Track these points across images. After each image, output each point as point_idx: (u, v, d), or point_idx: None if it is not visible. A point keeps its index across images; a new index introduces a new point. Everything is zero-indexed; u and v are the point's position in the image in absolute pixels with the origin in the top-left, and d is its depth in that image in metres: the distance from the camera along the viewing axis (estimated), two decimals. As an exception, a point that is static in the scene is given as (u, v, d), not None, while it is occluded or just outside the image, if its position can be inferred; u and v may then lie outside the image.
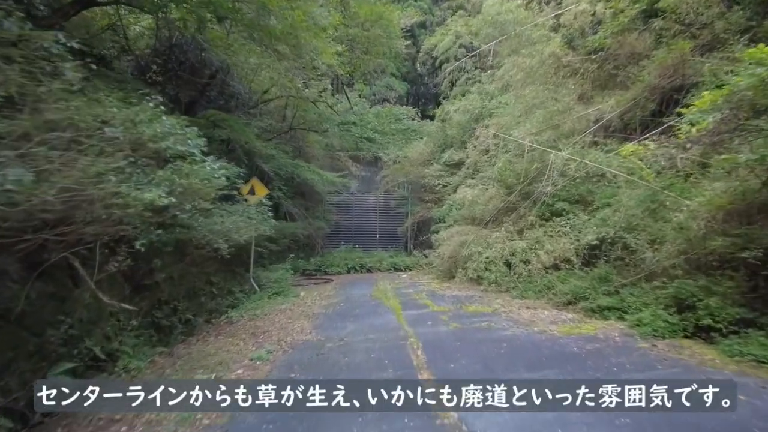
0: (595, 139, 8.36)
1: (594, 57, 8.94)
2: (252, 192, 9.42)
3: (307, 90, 13.76)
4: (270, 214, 7.78)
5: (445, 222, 12.91)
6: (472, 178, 12.02)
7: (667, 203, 6.36)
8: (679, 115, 6.71)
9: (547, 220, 8.31)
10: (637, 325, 5.54)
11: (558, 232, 7.61)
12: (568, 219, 7.62)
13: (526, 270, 7.76)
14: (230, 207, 7.21)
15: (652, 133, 7.24)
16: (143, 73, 10.14)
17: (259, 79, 14.12)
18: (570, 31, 10.13)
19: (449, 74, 16.16)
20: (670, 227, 5.87)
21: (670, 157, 5.91)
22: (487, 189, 9.32)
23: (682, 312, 5.24)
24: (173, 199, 3.63)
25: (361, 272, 13.37)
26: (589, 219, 7.28)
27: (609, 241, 6.62)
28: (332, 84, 19.97)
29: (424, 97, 24.12)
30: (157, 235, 6.03)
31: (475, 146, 11.16)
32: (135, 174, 3.60)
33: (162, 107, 4.06)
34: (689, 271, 5.68)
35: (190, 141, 4.16)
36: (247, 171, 10.33)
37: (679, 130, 5.42)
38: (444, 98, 18.25)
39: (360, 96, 19.85)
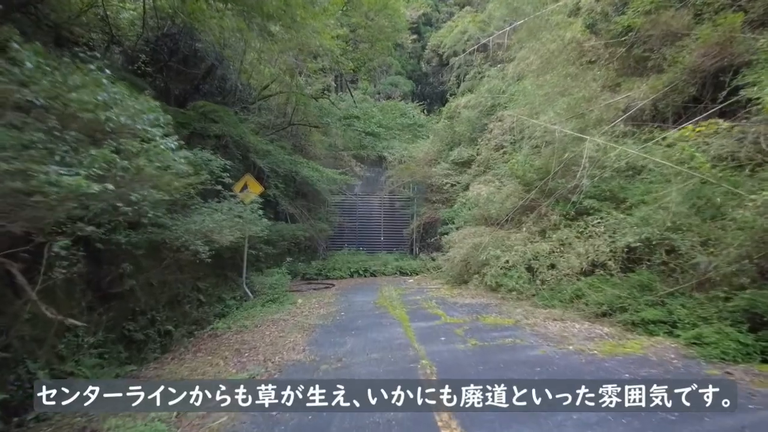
0: (626, 129, 7.33)
1: (623, 39, 7.91)
2: (245, 189, 8.48)
3: (309, 88, 12.86)
4: (261, 212, 6.81)
5: (454, 223, 11.94)
6: (484, 176, 11.03)
7: (718, 199, 5.35)
8: (731, 93, 5.70)
9: (572, 220, 7.28)
10: (696, 344, 4.51)
11: (589, 232, 6.57)
12: (600, 218, 6.58)
13: (552, 276, 6.73)
14: (216, 204, 6.26)
15: (696, 118, 6.22)
16: (133, 64, 9.32)
17: (259, 76, 13.28)
18: (592, 15, 9.13)
19: (457, 68, 15.16)
20: (734, 226, 4.84)
21: (755, 137, 4.86)
22: (503, 186, 8.30)
23: (758, 330, 4.20)
24: (110, 186, 2.68)
25: (365, 276, 12.39)
26: (625, 218, 6.24)
27: (654, 242, 5.57)
28: (335, 81, 19.14)
29: (429, 97, 23.16)
30: (126, 235, 5.15)
31: (489, 140, 10.14)
32: (60, 152, 2.64)
33: (107, 71, 3.11)
34: (756, 278, 4.65)
35: (144, 115, 3.21)
36: (241, 167, 9.43)
37: (759, 103, 4.39)
38: (451, 95, 17.32)
39: (364, 94, 18.95)
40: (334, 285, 10.73)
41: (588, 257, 6.23)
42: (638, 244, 5.71)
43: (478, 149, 11.81)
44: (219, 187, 6.12)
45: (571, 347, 4.88)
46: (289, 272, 11.75)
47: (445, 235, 11.77)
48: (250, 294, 8.47)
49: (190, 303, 7.22)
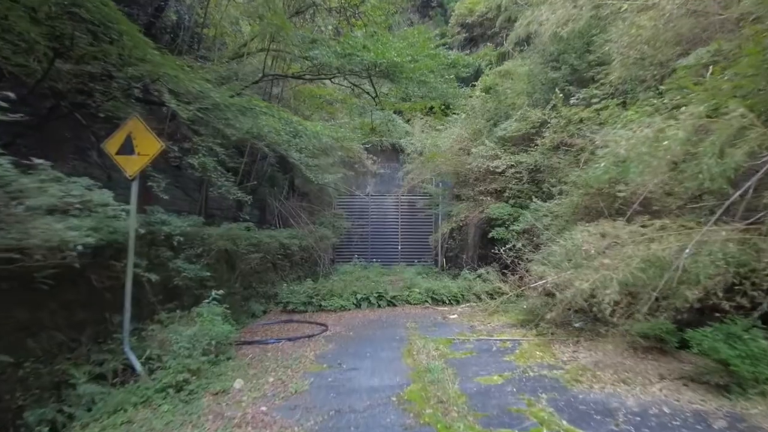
0: None
1: None
2: (130, 151, 3.75)
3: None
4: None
5: (515, 224, 7.04)
6: (566, 153, 6.11)
7: None
8: None
9: None
10: None
11: None
12: None
13: None
14: None
15: None
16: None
17: (238, 34, 8.81)
18: None
19: (504, 10, 10.31)
20: None
21: None
22: (712, 120, 3.18)
23: None
24: None
25: (379, 306, 7.38)
26: None
27: None
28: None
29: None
30: None
31: (624, 55, 5.01)
32: None
33: None
34: None
35: None
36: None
37: None
38: (487, 65, 12.57)
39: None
40: (326, 327, 5.80)
41: None
42: None
43: (554, 105, 6.87)
44: None
45: None
46: (218, 312, 6.86)
47: (502, 240, 6.84)
48: (137, 366, 3.63)
49: None
